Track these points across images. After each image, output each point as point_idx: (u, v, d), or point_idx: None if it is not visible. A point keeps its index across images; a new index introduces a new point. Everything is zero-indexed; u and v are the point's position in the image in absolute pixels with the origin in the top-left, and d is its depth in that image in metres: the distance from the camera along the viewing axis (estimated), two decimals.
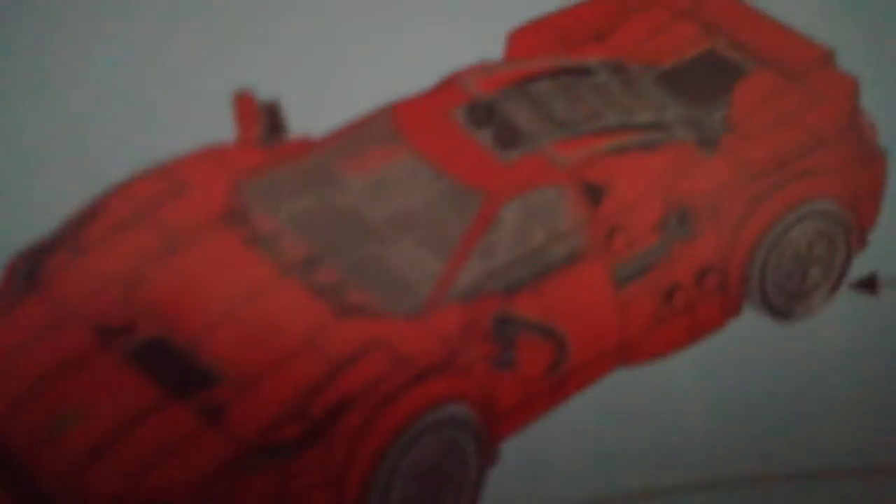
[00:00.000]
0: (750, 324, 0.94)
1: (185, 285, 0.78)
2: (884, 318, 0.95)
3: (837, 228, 0.94)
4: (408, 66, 0.90)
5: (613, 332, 0.88)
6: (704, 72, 0.95)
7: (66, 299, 0.78)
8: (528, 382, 0.84)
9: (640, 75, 0.94)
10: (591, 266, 0.88)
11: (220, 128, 0.86)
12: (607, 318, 0.88)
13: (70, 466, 0.72)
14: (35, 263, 0.81)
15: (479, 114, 0.87)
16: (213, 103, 0.85)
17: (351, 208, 0.83)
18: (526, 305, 0.84)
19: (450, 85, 0.89)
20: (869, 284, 0.97)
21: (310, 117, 0.88)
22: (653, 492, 0.89)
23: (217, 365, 0.76)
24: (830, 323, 0.95)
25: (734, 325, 0.93)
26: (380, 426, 0.77)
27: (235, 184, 0.83)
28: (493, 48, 0.99)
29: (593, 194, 0.88)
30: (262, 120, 0.83)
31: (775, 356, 0.94)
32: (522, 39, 0.96)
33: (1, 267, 0.82)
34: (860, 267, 0.96)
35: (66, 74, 0.87)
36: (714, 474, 0.91)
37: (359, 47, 0.95)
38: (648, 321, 0.89)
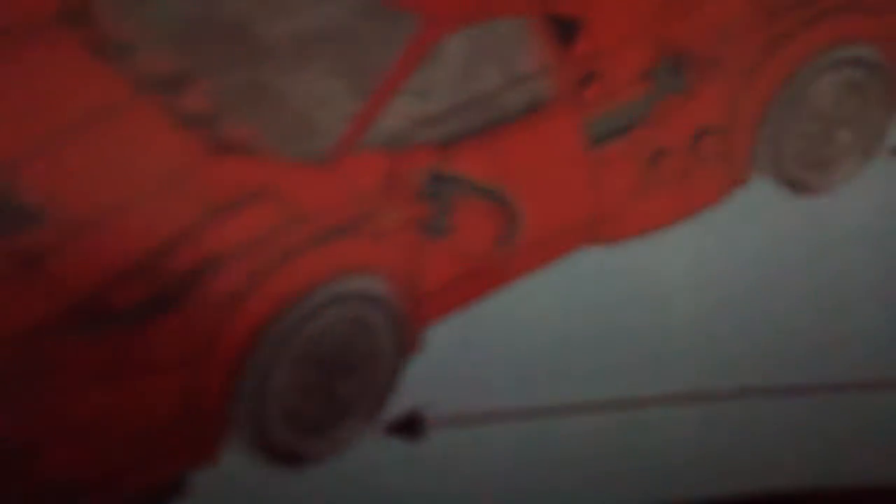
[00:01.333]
0: (760, 196, 0.79)
1: (1, 97, 0.64)
2: None
3: (874, 80, 0.78)
4: None
5: (582, 201, 0.74)
6: None
7: None
8: (468, 256, 0.71)
9: None
10: (556, 118, 0.73)
11: None
12: (575, 183, 0.74)
13: None
14: None
15: None
16: None
17: (235, 21, 0.68)
18: (469, 162, 0.70)
19: None
20: None
21: None
22: (624, 401, 0.76)
23: (38, 201, 0.62)
24: (861, 196, 0.80)
25: (740, 197, 0.79)
26: (261, 295, 0.63)
27: None
28: None
29: (564, 31, 0.74)
30: None
31: (791, 236, 0.79)
32: None
33: None
34: None
35: None
36: (704, 386, 0.78)
37: None
38: (628, 190, 0.75)
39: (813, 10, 0.77)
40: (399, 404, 0.69)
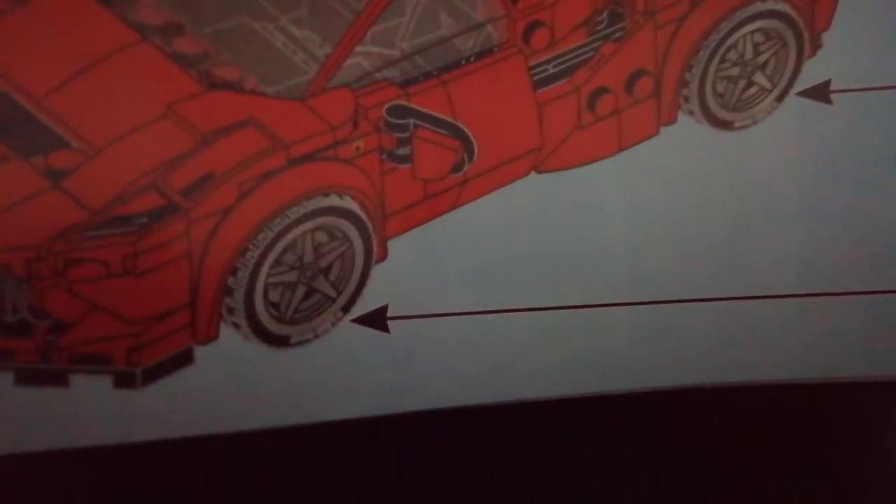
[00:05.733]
0: (686, 132, 0.88)
1: (29, 40, 0.73)
2: (834, 127, 0.88)
3: (787, 30, 0.87)
4: None
5: (528, 135, 0.83)
6: None
7: None
8: (428, 180, 0.81)
9: None
10: (505, 62, 0.83)
11: None
12: (522, 119, 0.83)
13: None
14: None
15: None
16: None
17: None
18: (427, 99, 0.80)
19: None
20: (821, 91, 0.90)
21: None
22: (566, 305, 0.85)
23: (64, 127, 0.73)
24: (775, 133, 0.89)
25: (668, 132, 0.88)
26: (248, 207, 0.74)
27: None
28: None
29: None
30: None
31: (713, 166, 0.88)
32: None
33: None
34: (811, 72, 0.89)
35: None
36: (640, 297, 0.86)
37: None
38: (569, 126, 0.84)
39: None
40: (370, 301, 0.80)
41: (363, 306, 0.79)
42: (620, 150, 0.85)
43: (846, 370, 0.87)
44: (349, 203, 0.78)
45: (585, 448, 0.84)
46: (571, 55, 0.84)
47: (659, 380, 0.85)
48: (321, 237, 0.78)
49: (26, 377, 0.73)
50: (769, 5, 0.87)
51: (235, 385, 0.76)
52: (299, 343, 0.78)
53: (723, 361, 0.86)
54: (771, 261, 0.87)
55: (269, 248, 0.76)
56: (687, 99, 0.87)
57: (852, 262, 0.87)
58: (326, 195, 0.77)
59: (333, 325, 0.79)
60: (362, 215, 0.79)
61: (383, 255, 0.80)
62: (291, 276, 0.78)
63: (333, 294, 0.79)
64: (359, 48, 0.79)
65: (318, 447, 0.79)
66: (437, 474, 0.82)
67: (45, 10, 0.74)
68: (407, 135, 0.79)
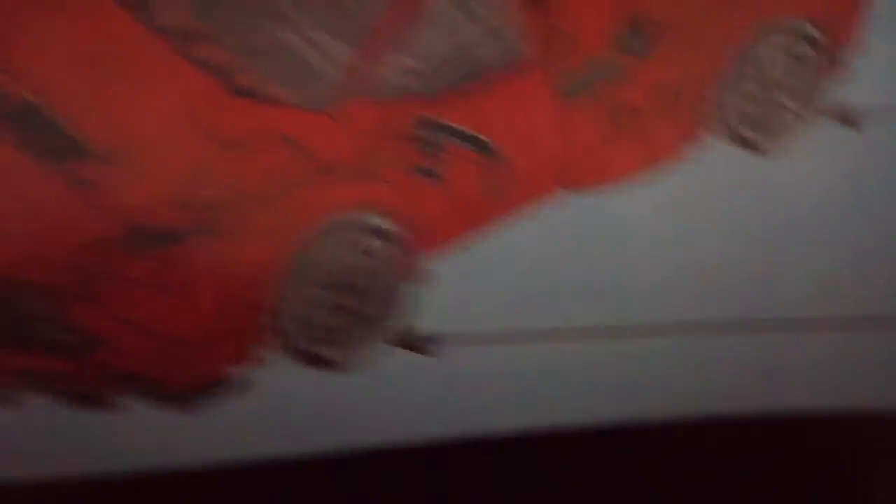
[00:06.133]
0: (711, 151, 0.87)
1: (55, 48, 0.69)
2: (864, 152, 0.87)
3: (811, 50, 0.87)
4: None
5: (554, 148, 0.81)
6: None
7: None
8: (457, 196, 0.78)
9: None
10: (530, 72, 0.81)
11: None
12: (547, 132, 0.81)
13: None
14: None
15: None
16: None
17: None
18: (455, 112, 0.78)
19: None
20: (847, 113, 0.89)
21: None
22: (592, 331, 0.82)
23: (93, 139, 0.69)
24: (800, 153, 0.88)
25: (692, 151, 0.87)
26: (278, 224, 0.70)
27: None
28: None
29: None
30: None
31: (742, 190, 0.87)
32: None
33: None
34: (837, 93, 0.89)
35: None
36: (667, 320, 0.84)
37: None
38: (594, 141, 0.83)
39: None
40: (415, 326, 0.76)
41: (410, 331, 0.75)
42: (646, 169, 0.84)
43: (874, 400, 0.86)
44: (380, 220, 0.75)
45: (625, 475, 0.81)
46: (594, 68, 0.83)
47: (691, 406, 0.83)
48: (355, 256, 0.75)
49: (64, 398, 0.68)
50: (795, 24, 0.87)
51: (275, 409, 0.72)
52: (338, 366, 0.74)
53: (757, 389, 0.84)
54: (800, 285, 0.86)
55: (302, 266, 0.72)
56: (711, 117, 0.86)
57: (880, 288, 0.87)
58: (357, 211, 0.74)
59: (372, 348, 0.75)
60: (393, 232, 0.75)
61: (419, 274, 0.77)
62: (328, 296, 0.74)
63: (371, 315, 0.76)
64: (384, 58, 0.76)
65: (361, 473, 0.75)
66: (481, 501, 0.78)
67: (70, 18, 0.70)
68: (435, 149, 0.77)
